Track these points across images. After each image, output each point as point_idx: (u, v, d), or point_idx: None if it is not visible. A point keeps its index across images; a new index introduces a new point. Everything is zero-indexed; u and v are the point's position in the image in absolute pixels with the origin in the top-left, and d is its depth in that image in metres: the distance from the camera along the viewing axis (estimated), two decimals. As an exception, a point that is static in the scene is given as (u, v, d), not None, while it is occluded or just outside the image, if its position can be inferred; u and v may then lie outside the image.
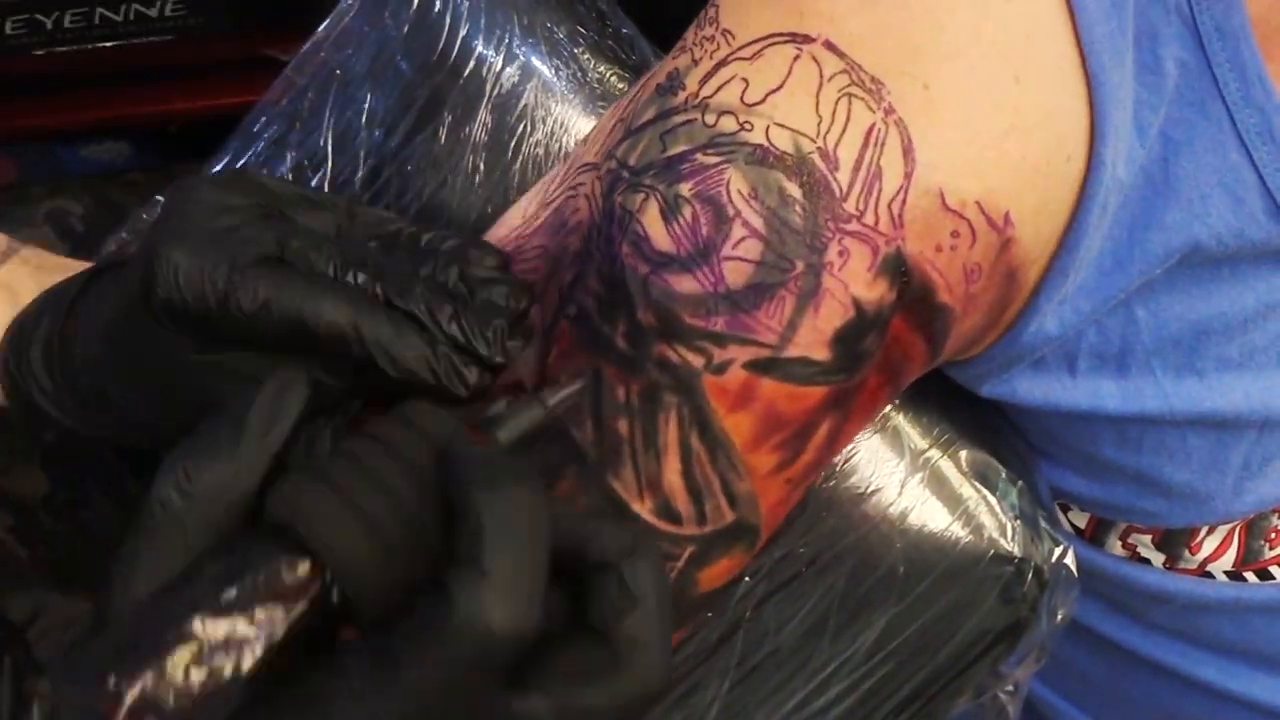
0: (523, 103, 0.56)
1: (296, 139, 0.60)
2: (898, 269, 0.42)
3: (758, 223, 0.41)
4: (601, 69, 0.57)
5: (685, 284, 0.41)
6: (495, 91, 0.56)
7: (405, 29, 0.57)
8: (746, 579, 0.51)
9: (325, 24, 0.60)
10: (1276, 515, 0.58)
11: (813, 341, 0.41)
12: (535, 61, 0.56)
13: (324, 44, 0.60)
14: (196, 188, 0.39)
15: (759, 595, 0.51)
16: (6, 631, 0.41)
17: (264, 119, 0.61)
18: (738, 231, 0.41)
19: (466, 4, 0.57)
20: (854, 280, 0.41)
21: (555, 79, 0.56)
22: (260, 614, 0.31)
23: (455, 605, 0.30)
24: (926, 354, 0.45)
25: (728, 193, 0.41)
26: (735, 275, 0.41)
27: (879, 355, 0.43)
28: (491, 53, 0.56)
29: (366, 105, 0.58)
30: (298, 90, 0.60)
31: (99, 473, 0.47)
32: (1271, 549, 0.58)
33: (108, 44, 1.12)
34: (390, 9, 0.58)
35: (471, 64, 0.56)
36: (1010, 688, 0.54)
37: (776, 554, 0.51)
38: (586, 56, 0.57)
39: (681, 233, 0.41)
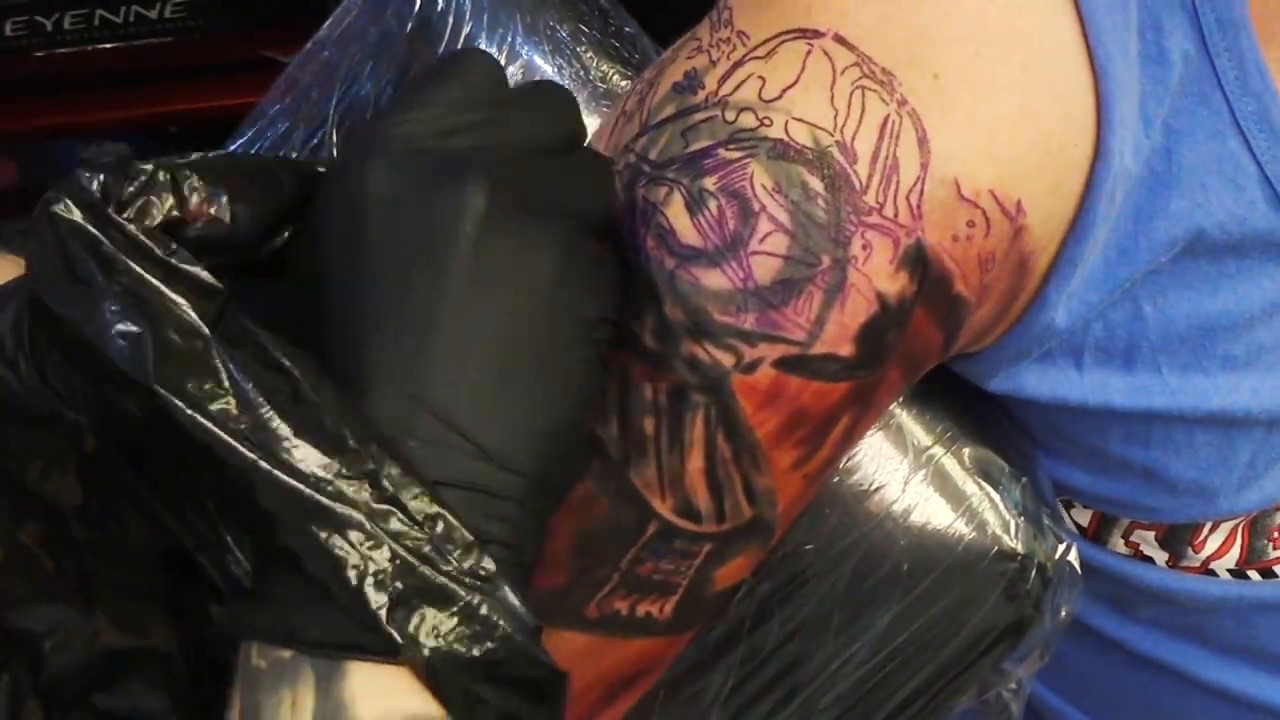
0: (525, 101, 0.56)
1: (300, 137, 0.60)
2: (918, 260, 0.42)
3: (783, 217, 0.41)
4: (604, 67, 0.57)
5: (714, 279, 0.41)
6: (498, 90, 0.56)
7: (408, 27, 0.57)
8: (749, 576, 0.51)
9: (328, 23, 0.60)
10: None
11: (839, 337, 0.41)
12: (538, 60, 0.56)
13: (327, 43, 0.60)
14: None
15: (762, 593, 0.51)
16: (12, 649, 0.41)
17: (267, 117, 0.61)
18: (764, 226, 0.41)
19: (469, 3, 0.57)
20: (877, 274, 0.41)
21: (558, 78, 0.56)
22: None
23: None
24: (942, 346, 0.45)
25: (752, 186, 0.41)
26: (763, 271, 0.41)
27: (900, 349, 0.43)
28: (494, 51, 0.56)
29: (370, 104, 0.58)
30: (301, 89, 0.60)
31: (129, 487, 0.46)
32: (1275, 549, 0.58)
33: (108, 45, 1.13)
34: (393, 8, 0.58)
35: (474, 62, 0.56)
36: (1013, 685, 0.54)
37: (780, 552, 0.51)
38: (589, 55, 0.57)
39: (708, 226, 0.41)
